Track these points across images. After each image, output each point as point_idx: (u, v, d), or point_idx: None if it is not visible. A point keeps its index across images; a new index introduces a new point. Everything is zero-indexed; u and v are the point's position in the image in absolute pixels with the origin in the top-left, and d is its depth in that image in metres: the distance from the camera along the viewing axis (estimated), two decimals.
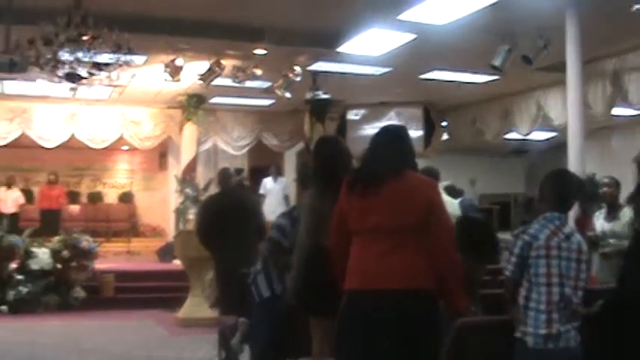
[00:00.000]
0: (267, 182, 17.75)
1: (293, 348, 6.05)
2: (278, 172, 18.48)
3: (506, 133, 18.16)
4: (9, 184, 19.73)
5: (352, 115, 19.22)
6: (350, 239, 4.54)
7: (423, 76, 15.27)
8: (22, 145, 19.65)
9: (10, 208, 19.07)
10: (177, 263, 15.15)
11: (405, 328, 4.27)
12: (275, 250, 6.26)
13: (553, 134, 18.84)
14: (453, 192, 14.24)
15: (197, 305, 12.91)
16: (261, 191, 17.32)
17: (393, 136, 4.75)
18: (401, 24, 11.29)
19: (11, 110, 18.45)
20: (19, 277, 14.07)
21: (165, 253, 17.69)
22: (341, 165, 5.51)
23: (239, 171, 16.32)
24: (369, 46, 12.74)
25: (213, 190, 18.67)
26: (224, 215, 9.12)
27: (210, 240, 9.31)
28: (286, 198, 17.28)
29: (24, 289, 13.85)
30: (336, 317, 4.60)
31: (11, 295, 13.81)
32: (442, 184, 9.98)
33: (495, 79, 14.76)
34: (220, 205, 9.56)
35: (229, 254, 8.76)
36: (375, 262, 4.38)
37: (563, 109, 13.25)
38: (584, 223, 8.89)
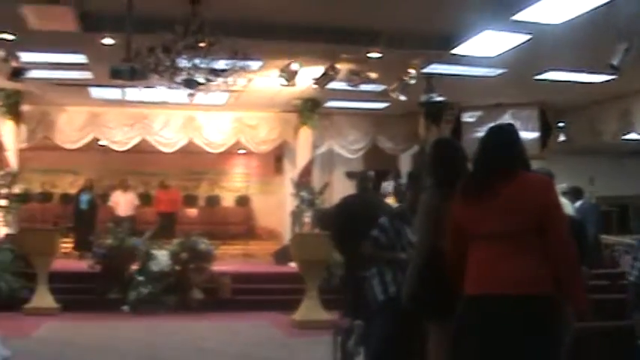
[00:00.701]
0: (387, 186, 17.67)
1: (408, 352, 6.03)
2: (398, 176, 18.41)
3: (625, 133, 17.65)
4: (124, 188, 20.26)
5: (467, 118, 19.03)
6: (465, 244, 4.47)
7: (538, 77, 14.99)
8: (142, 150, 20.15)
9: (126, 211, 19.58)
10: (293, 266, 15.24)
11: (524, 334, 4.18)
12: (374, 247, 6.38)
13: None
14: (577, 193, 14.00)
15: (313, 307, 13.00)
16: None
17: (503, 136, 4.65)
18: (516, 24, 11.10)
19: (132, 116, 19.01)
20: (140, 278, 14.41)
21: (281, 255, 17.81)
22: (456, 167, 5.49)
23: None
24: (483, 48, 12.58)
25: (329, 193, 18.90)
26: (353, 218, 9.13)
27: (340, 242, 9.36)
28: None
29: (144, 290, 14.19)
30: (452, 321, 4.55)
31: (132, 295, 14.17)
32: (561, 186, 9.80)
33: (613, 79, 14.38)
34: (352, 207, 9.58)
35: (350, 257, 8.78)
36: (493, 267, 4.31)
37: None
38: None
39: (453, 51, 12.74)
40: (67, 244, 18.09)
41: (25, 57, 13.11)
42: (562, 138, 19.16)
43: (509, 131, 4.69)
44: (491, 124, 4.84)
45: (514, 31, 11.65)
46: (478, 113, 18.89)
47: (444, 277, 4.78)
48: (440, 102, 16.60)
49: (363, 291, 6.85)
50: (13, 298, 13.81)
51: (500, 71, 14.46)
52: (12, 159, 17.47)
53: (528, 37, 11.84)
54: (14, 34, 11.98)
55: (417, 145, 19.47)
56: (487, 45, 12.43)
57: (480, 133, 17.81)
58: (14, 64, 12.95)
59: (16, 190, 17.60)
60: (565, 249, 4.26)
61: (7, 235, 16.32)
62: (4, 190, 17.05)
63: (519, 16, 10.69)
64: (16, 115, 17.63)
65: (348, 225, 9.17)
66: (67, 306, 13.85)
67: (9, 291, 13.89)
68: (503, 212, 4.31)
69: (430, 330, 5.51)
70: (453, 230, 4.62)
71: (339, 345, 8.34)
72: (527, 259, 4.24)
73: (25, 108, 18.07)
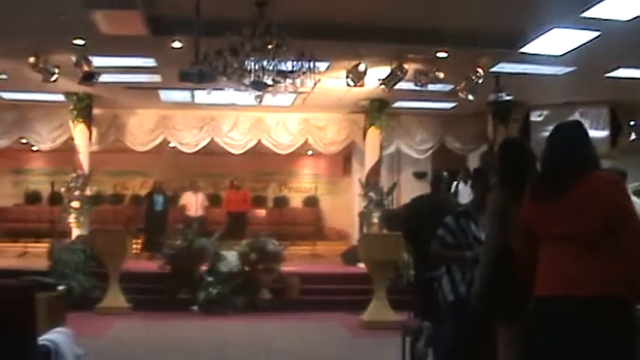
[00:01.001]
0: (458, 185, 17.55)
1: (478, 353, 5.98)
2: (467, 175, 18.27)
3: None
4: (195, 189, 20.46)
5: (535, 117, 18.78)
6: (535, 245, 4.39)
7: (608, 75, 14.74)
8: (211, 151, 20.34)
9: (196, 212, 19.77)
10: (361, 266, 15.24)
11: (596, 336, 4.08)
12: (440, 246, 6.37)
13: None
14: None
15: (381, 308, 13.00)
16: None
17: (571, 134, 4.53)
18: (584, 21, 10.94)
19: (201, 118, 19.21)
20: (209, 278, 14.55)
21: (350, 256, 17.79)
22: (524, 167, 5.44)
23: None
24: (551, 46, 12.42)
25: (397, 194, 18.88)
26: (423, 218, 9.11)
27: (410, 242, 9.34)
28: None
29: (214, 291, 14.31)
30: (522, 321, 4.50)
31: (202, 295, 14.30)
32: (633, 186, 9.63)
33: None
34: (422, 207, 9.56)
35: (420, 257, 8.76)
36: (562, 267, 4.22)
37: None
38: None
39: (521, 49, 12.61)
40: (137, 245, 18.36)
41: (96, 61, 13.33)
42: (633, 137, 18.81)
43: (578, 129, 4.58)
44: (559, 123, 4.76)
45: (583, 29, 11.48)
46: (546, 112, 18.64)
47: (513, 276, 4.73)
48: (508, 101, 16.41)
49: (432, 291, 6.84)
50: (85, 297, 14.08)
51: (568, 69, 14.26)
52: (84, 162, 17.77)
53: (597, 34, 11.65)
54: (85, 39, 12.20)
55: (485, 144, 19.29)
56: (555, 43, 12.27)
57: (549, 132, 17.66)
58: (85, 68, 13.17)
59: (88, 192, 17.91)
60: (637, 249, 4.14)
61: (80, 236, 16.61)
62: (77, 192, 17.37)
63: (588, 13, 10.54)
64: (88, 119, 17.90)
65: (417, 225, 9.15)
66: (137, 306, 14.06)
67: (82, 290, 14.16)
68: (572, 212, 4.23)
69: (500, 330, 5.47)
70: (522, 230, 4.56)
71: (407, 346, 8.31)
72: (597, 260, 4.15)
73: (97, 111, 18.35)
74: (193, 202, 19.99)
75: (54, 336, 6.25)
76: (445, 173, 10.35)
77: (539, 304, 4.33)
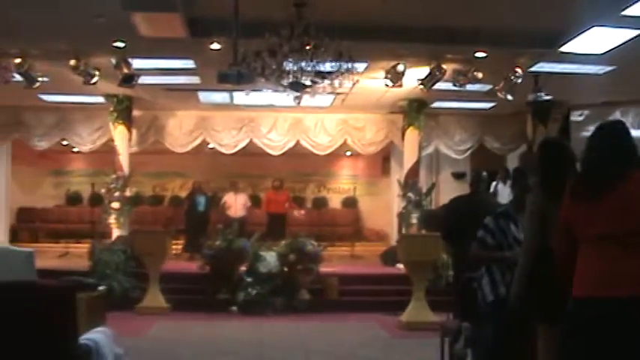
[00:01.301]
0: (497, 185, 17.45)
1: (518, 354, 5.95)
2: (507, 175, 18.17)
3: None
4: (236, 190, 20.53)
5: (575, 116, 18.61)
6: (575, 246, 4.34)
7: None
8: (250, 152, 20.40)
9: (238, 212, 19.83)
10: (400, 267, 15.21)
11: (634, 336, 4.04)
12: (480, 248, 6.36)
13: None
14: None
15: (420, 309, 12.97)
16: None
17: (614, 134, 4.47)
18: (624, 19, 10.83)
19: (240, 120, 19.27)
20: (248, 279, 14.60)
21: (389, 257, 17.76)
22: (563, 167, 5.40)
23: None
24: (591, 45, 12.30)
25: (436, 194, 18.83)
26: (462, 219, 9.09)
27: (449, 243, 9.32)
28: None
29: (253, 291, 14.36)
30: (560, 322, 4.47)
31: (241, 296, 14.36)
32: None
33: None
34: (464, 207, 9.53)
35: (459, 258, 8.73)
36: (604, 269, 4.16)
37: None
38: None
39: (561, 49, 12.52)
40: (177, 246, 18.47)
41: (136, 63, 13.43)
42: None
43: (620, 129, 4.52)
44: (600, 122, 4.71)
45: (623, 27, 11.36)
46: (587, 112, 18.48)
47: (551, 277, 4.69)
48: (547, 101, 16.28)
49: (471, 292, 6.81)
50: (125, 297, 14.20)
51: (609, 68, 14.11)
52: (124, 163, 17.90)
53: (637, 32, 11.53)
54: (125, 42, 12.29)
55: (525, 144, 19.17)
56: (595, 42, 12.15)
57: (589, 132, 17.53)
58: (125, 70, 13.27)
59: (128, 193, 18.05)
60: None
61: (120, 237, 16.75)
62: (117, 194, 17.50)
63: (628, 12, 10.44)
64: (128, 121, 18.04)
65: (456, 226, 9.13)
66: (177, 306, 14.16)
67: (122, 291, 14.28)
68: (614, 213, 4.17)
69: (539, 330, 5.43)
70: (562, 231, 4.51)
71: (446, 347, 8.29)
72: (638, 260, 4.12)
73: (136, 113, 18.50)
74: (235, 203, 20.04)
75: (94, 335, 6.31)
76: (484, 173, 10.31)
77: (578, 305, 4.28)
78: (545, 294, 5.08)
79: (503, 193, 16.96)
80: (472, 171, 10.26)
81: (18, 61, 13.15)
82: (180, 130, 19.20)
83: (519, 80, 13.78)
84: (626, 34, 11.69)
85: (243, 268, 14.86)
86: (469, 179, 9.96)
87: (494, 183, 17.45)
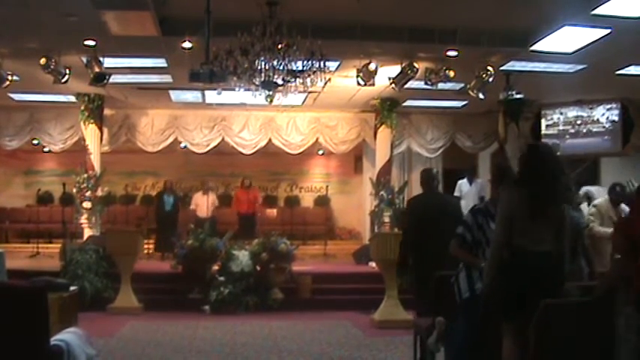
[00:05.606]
0: (463, 184, 17.53)
1: (492, 350, 5.96)
2: (474, 175, 18.27)
3: None
4: (205, 189, 20.44)
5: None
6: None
7: (619, 72, 14.68)
8: (222, 151, 20.39)
9: (206, 212, 19.74)
10: (372, 265, 15.26)
11: None
12: (460, 245, 6.41)
13: None
14: None
15: (393, 307, 12.99)
16: (456, 194, 17.06)
17: None
18: (595, 19, 10.92)
19: (212, 118, 19.27)
20: (221, 278, 14.54)
21: (361, 255, 17.81)
22: (546, 171, 5.49)
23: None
24: (562, 44, 12.41)
25: (408, 193, 18.86)
26: (426, 217, 9.11)
27: (413, 241, 9.30)
28: (482, 200, 17.00)
29: (225, 290, 14.31)
30: (527, 325, 4.50)
31: (213, 295, 14.31)
32: None
33: None
34: (424, 206, 9.54)
35: (427, 256, 8.74)
36: None
37: None
38: None
39: (532, 48, 12.60)
40: (148, 246, 18.42)
41: (107, 62, 13.36)
42: None
43: None
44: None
45: (593, 26, 11.46)
46: (558, 110, 18.62)
47: (514, 275, 4.74)
48: (519, 99, 16.40)
49: (445, 287, 6.85)
50: (97, 297, 14.12)
51: (579, 67, 14.23)
52: (95, 162, 17.82)
53: (608, 31, 11.62)
54: (96, 40, 12.23)
55: (497, 143, 19.28)
56: (566, 41, 12.26)
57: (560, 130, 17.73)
58: (96, 69, 13.20)
59: (100, 192, 17.96)
60: None
61: (91, 237, 16.65)
62: (88, 193, 17.41)
63: (599, 11, 10.52)
64: (99, 120, 17.99)
65: (418, 225, 9.16)
66: (149, 306, 14.10)
67: (93, 291, 14.19)
68: None
69: (505, 331, 5.49)
70: (626, 241, 4.57)
71: (419, 344, 8.31)
72: None
73: (107, 112, 18.46)
74: (204, 203, 19.96)
75: (66, 336, 6.27)
76: (435, 170, 10.39)
77: None
78: (512, 292, 5.13)
79: (469, 193, 17.03)
80: (422, 171, 10.23)
81: None
82: (152, 130, 19.15)
83: (491, 79, 13.87)
84: (597, 34, 11.80)
85: (215, 268, 14.80)
86: (419, 179, 9.96)
87: (459, 182, 17.54)
